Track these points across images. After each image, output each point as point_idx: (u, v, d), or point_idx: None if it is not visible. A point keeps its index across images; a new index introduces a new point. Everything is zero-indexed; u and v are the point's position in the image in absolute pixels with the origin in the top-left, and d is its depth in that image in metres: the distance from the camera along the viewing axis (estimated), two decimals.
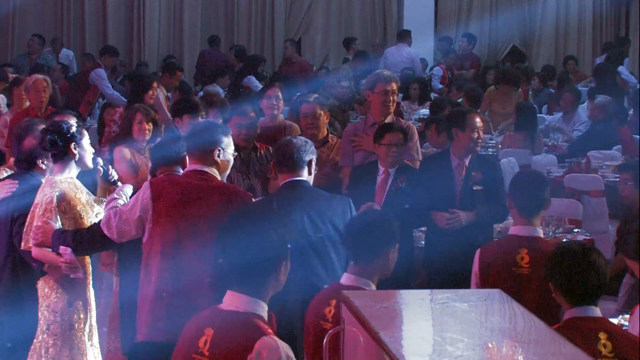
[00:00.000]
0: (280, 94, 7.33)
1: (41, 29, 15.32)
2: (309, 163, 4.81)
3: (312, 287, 4.50)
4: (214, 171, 4.67)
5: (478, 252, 4.81)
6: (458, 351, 2.94)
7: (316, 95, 7.32)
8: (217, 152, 4.67)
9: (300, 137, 4.95)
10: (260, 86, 13.34)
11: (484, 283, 4.70)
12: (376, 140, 6.10)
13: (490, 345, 2.92)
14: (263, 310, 3.42)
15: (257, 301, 3.40)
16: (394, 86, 6.56)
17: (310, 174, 4.83)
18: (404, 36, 14.90)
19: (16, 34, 15.41)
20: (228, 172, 4.84)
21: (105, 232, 4.65)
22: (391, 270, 4.17)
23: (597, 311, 3.71)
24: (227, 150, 4.74)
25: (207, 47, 15.60)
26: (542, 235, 4.83)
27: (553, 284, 3.78)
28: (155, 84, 8.52)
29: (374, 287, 4.08)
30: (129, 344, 4.89)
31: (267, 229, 3.43)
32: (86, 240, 4.74)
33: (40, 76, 8.93)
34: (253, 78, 13.56)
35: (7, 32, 15.54)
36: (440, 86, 13.98)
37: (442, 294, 3.71)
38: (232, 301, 3.40)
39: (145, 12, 16.14)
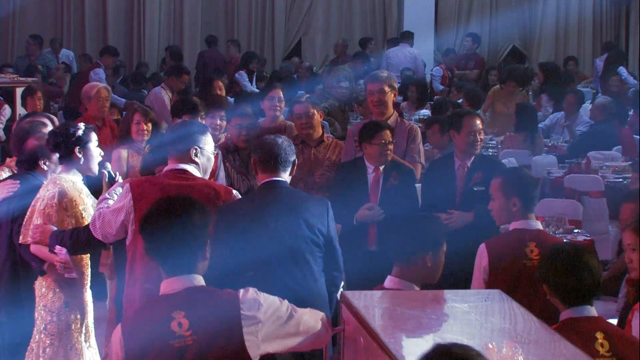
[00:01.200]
0: (282, 95, 7.36)
1: (41, 29, 15.32)
2: (293, 163, 4.73)
3: (290, 291, 4.38)
4: (193, 169, 4.66)
5: (484, 247, 4.80)
6: None
7: (308, 95, 7.34)
8: (194, 152, 4.66)
9: (284, 137, 4.84)
10: (248, 84, 13.47)
11: (495, 277, 4.69)
12: (365, 140, 6.03)
13: (490, 345, 2.92)
14: (203, 282, 3.48)
15: (196, 276, 3.46)
16: (381, 86, 6.52)
17: (291, 174, 4.75)
18: (406, 37, 14.94)
19: (16, 34, 15.41)
20: (210, 170, 4.83)
21: (93, 232, 4.66)
22: (438, 276, 4.07)
23: (592, 310, 3.70)
24: (206, 148, 4.72)
25: (206, 48, 15.61)
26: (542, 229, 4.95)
27: (547, 285, 3.77)
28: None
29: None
30: None
31: (187, 213, 3.47)
32: (84, 237, 4.73)
33: (101, 85, 8.84)
34: (243, 73, 13.73)
35: (7, 33, 15.54)
36: (441, 87, 13.95)
37: (442, 294, 3.71)
38: (175, 285, 3.43)
39: (145, 12, 16.14)
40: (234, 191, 4.73)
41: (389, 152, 6.01)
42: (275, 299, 3.53)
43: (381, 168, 6.04)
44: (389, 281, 4.02)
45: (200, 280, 3.47)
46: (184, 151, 4.65)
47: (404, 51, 14.60)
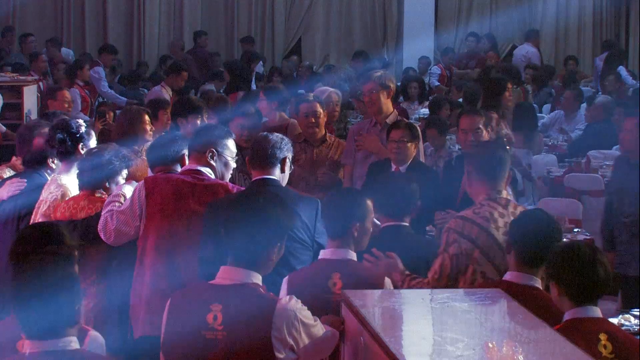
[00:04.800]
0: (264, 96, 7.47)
1: (41, 28, 15.33)
2: (282, 161, 4.66)
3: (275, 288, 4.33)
4: (208, 171, 4.67)
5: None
6: (458, 351, 2.95)
7: (313, 94, 7.34)
8: (209, 154, 4.68)
9: (277, 134, 4.79)
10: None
11: None
12: (387, 138, 6.16)
13: (490, 345, 2.93)
14: (259, 280, 3.51)
15: (254, 273, 3.49)
16: (373, 85, 6.59)
17: (283, 172, 4.68)
18: (531, 36, 15.29)
19: (16, 34, 15.39)
20: (227, 175, 4.83)
21: (102, 236, 4.63)
22: None
23: (597, 311, 3.69)
24: (224, 152, 4.73)
25: (194, 45, 15.42)
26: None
27: (558, 283, 3.71)
28: (510, 85, 8.15)
29: (540, 284, 4.04)
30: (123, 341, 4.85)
31: (269, 210, 3.52)
32: (80, 232, 4.72)
33: (331, 89, 8.32)
34: None
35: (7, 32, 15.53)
36: (437, 83, 14.00)
37: (442, 294, 3.72)
38: (228, 275, 3.47)
39: (145, 12, 16.13)
40: None
41: (403, 150, 6.02)
42: (309, 313, 3.51)
43: (402, 168, 6.04)
44: (509, 275, 4.06)
45: (255, 278, 3.48)
46: (201, 153, 4.68)
47: (522, 50, 15.02)
